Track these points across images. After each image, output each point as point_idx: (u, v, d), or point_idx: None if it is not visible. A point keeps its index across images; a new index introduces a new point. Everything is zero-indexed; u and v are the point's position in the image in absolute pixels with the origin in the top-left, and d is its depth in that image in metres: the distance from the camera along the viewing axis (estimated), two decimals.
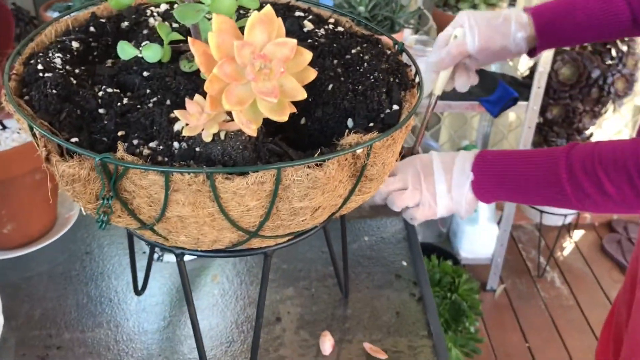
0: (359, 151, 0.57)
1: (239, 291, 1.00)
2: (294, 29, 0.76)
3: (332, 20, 0.81)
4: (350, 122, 0.64)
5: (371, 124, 0.63)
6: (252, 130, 0.50)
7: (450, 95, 1.88)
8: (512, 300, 2.40)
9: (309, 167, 0.54)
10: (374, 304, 0.99)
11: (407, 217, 0.91)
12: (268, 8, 0.48)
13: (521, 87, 2.02)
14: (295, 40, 0.47)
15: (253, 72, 0.46)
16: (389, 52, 0.73)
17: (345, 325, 0.94)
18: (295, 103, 0.52)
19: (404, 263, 1.08)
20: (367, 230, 1.17)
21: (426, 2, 2.20)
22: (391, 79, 0.68)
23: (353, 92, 0.65)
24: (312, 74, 0.52)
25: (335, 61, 0.69)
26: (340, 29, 0.78)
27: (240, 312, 0.96)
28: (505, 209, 2.19)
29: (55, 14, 1.65)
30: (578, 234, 2.77)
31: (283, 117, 0.49)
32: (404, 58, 0.76)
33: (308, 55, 0.50)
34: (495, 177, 0.83)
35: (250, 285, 1.01)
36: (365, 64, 0.68)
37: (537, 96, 1.97)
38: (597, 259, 2.64)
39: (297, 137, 0.65)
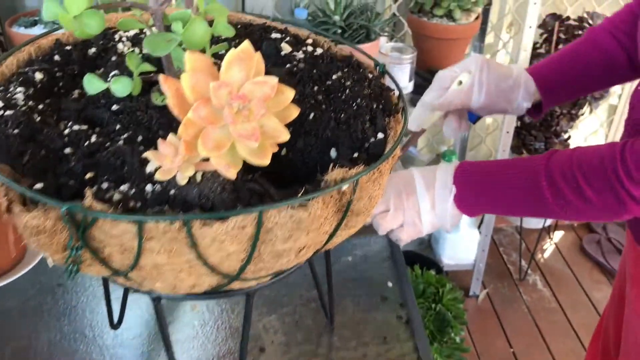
0: (344, 187, 0.54)
1: (219, 321, 0.96)
2: (270, 53, 0.72)
3: (310, 40, 0.78)
4: (333, 153, 0.61)
5: (355, 155, 0.60)
6: (231, 174, 0.46)
7: None
8: (495, 305, 2.40)
9: (292, 207, 0.51)
10: (360, 330, 0.96)
11: (393, 238, 0.88)
12: (246, 44, 0.45)
13: None
14: (276, 79, 0.44)
15: (231, 115, 0.43)
16: (370, 75, 0.70)
17: (332, 354, 0.91)
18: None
19: (390, 284, 1.06)
20: (350, 250, 1.14)
21: (401, 8, 2.18)
22: (375, 105, 0.65)
23: (336, 120, 0.62)
24: (295, 112, 0.49)
25: (315, 88, 0.65)
26: (319, 50, 0.75)
27: (222, 344, 0.92)
28: (486, 214, 2.18)
29: (21, 29, 1.59)
30: (558, 235, 2.78)
31: (265, 161, 0.46)
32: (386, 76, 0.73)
33: (290, 93, 0.46)
34: (476, 189, 0.81)
35: (231, 314, 0.97)
36: (347, 90, 0.65)
37: None
38: (578, 260, 2.64)
39: (277, 170, 0.61)
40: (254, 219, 0.49)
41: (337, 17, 1.78)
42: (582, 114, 2.20)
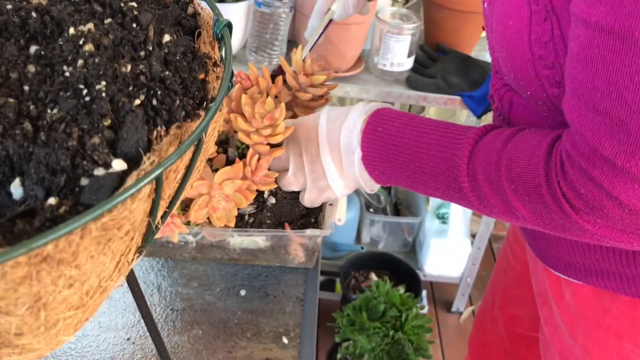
0: None
1: None
2: None
3: None
4: (16, 188, 0.29)
5: (52, 200, 0.28)
6: None
7: (425, 86, 1.53)
8: None
9: None
10: None
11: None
12: None
13: None
14: None
15: None
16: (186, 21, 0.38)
17: None
18: None
19: (285, 340, 0.75)
20: (247, 278, 0.83)
21: None
22: (150, 94, 0.33)
23: (33, 122, 0.30)
24: None
25: (32, 49, 0.33)
26: None
27: None
28: (482, 224, 1.85)
29: None
30: None
31: None
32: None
33: None
34: (385, 162, 0.65)
35: None
36: (84, 61, 0.32)
37: None
38: None
39: None
40: None
41: None
42: None
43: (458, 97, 1.58)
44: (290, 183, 0.74)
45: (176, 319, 0.77)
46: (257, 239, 0.81)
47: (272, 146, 0.78)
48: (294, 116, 0.88)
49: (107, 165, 0.29)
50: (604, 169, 0.48)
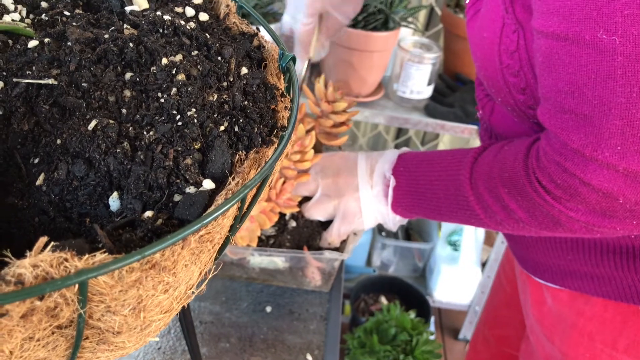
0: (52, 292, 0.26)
1: None
2: (111, 5, 0.44)
3: (198, 1, 0.49)
4: (114, 200, 0.33)
5: (148, 214, 0.32)
6: None
7: (444, 114, 1.56)
8: None
9: None
10: None
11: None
12: None
13: None
14: None
15: None
16: (247, 71, 0.41)
17: None
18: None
19: (309, 357, 0.77)
20: (272, 296, 0.86)
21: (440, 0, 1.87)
22: (233, 121, 0.36)
23: (132, 142, 0.33)
24: None
25: (128, 76, 0.37)
26: (204, 17, 0.47)
27: None
28: (492, 252, 1.87)
29: None
30: None
31: None
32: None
33: None
34: (410, 193, 0.71)
35: None
36: (177, 89, 0.36)
37: None
38: None
39: (22, 207, 0.34)
40: None
41: None
42: None
43: (474, 127, 1.61)
44: (316, 208, 0.78)
45: (204, 331, 0.80)
46: (276, 260, 0.83)
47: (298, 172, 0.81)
48: (317, 142, 0.91)
49: (198, 184, 0.32)
50: (575, 160, 0.53)
